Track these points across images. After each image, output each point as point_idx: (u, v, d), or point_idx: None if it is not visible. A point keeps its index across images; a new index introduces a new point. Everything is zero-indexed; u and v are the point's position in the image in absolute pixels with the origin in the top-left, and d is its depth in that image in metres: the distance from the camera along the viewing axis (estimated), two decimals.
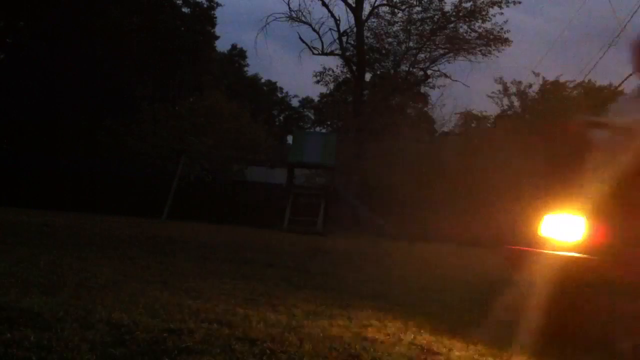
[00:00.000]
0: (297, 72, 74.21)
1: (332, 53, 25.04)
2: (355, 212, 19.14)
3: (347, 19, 30.56)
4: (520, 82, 23.23)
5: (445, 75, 24.41)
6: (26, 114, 20.42)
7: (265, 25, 24.94)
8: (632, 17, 16.05)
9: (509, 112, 23.69)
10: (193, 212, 17.66)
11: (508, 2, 22.32)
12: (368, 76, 25.69)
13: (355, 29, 24.29)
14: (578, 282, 2.83)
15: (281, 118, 45.02)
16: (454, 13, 23.25)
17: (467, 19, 23.09)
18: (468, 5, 22.87)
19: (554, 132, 15.26)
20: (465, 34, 23.51)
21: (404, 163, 19.61)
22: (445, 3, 23.28)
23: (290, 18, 24.12)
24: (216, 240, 8.96)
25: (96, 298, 3.13)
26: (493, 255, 7.00)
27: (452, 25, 23.55)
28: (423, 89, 26.53)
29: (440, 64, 24.59)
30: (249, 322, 2.81)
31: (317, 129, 37.83)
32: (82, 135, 20.38)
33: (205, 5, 27.12)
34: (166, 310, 2.96)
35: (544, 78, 22.55)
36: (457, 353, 2.62)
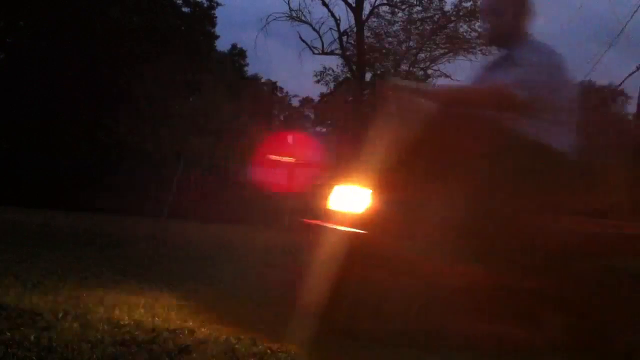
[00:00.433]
0: (297, 72, 74.06)
1: (332, 53, 25.00)
2: None
3: (347, 19, 30.40)
4: None
5: (446, 75, 24.40)
6: (26, 113, 20.42)
7: (265, 25, 24.75)
8: (632, 16, 16.03)
9: None
10: (193, 212, 17.68)
11: None
12: (368, 76, 25.68)
13: (355, 29, 24.26)
14: (358, 259, 2.59)
15: (281, 118, 45.05)
16: (454, 12, 23.24)
17: (468, 19, 23.07)
18: (468, 4, 22.86)
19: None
20: (465, 34, 23.50)
21: None
22: (445, 3, 23.26)
23: (291, 17, 24.05)
24: (216, 240, 8.96)
25: (96, 298, 3.14)
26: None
27: (452, 24, 23.54)
28: None
29: (440, 64, 24.58)
30: (249, 322, 2.81)
31: (317, 128, 37.84)
32: (81, 135, 20.38)
33: (205, 5, 27.12)
34: (167, 309, 2.96)
35: None
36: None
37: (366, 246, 2.60)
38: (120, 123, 19.75)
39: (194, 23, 26.21)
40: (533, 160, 2.67)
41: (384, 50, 24.89)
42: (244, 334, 2.54)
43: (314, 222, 2.99)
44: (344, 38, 24.58)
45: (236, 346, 2.35)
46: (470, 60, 23.40)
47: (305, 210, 3.37)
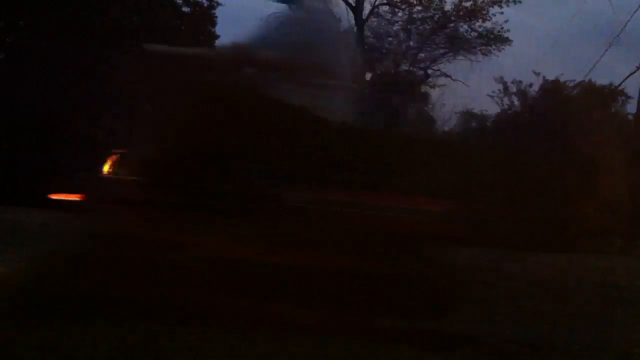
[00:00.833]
0: None
1: None
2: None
3: (347, 19, 30.52)
4: (520, 82, 23.26)
5: (446, 75, 24.40)
6: (25, 113, 20.39)
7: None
8: (632, 16, 16.06)
9: (509, 112, 23.72)
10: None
11: (508, 1, 22.31)
12: (368, 76, 25.68)
13: (355, 28, 24.27)
14: None
15: None
16: (455, 12, 23.23)
17: (468, 18, 23.07)
18: (468, 4, 22.86)
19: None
20: (465, 34, 23.50)
21: None
22: (445, 2, 23.26)
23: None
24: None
25: None
26: None
27: (452, 24, 23.54)
28: (423, 89, 26.52)
29: (440, 64, 24.57)
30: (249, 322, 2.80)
31: None
32: (81, 135, 20.36)
33: (205, 5, 27.08)
34: (168, 308, 2.95)
35: (544, 78, 22.58)
36: None
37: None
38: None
39: (195, 22, 26.18)
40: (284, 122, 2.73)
41: (384, 50, 24.92)
42: None
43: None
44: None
45: None
46: (470, 60, 23.46)
47: None
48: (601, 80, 23.04)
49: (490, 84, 33.87)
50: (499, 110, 23.94)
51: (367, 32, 24.24)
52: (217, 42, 30.11)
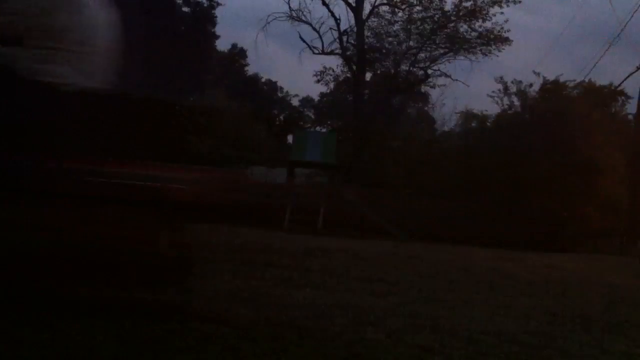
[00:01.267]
0: (298, 72, 73.88)
1: (332, 52, 25.00)
2: (356, 211, 19.12)
3: (347, 19, 30.41)
4: (520, 82, 23.24)
5: (446, 75, 24.39)
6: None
7: (265, 25, 24.75)
8: (632, 16, 16.06)
9: (509, 112, 23.71)
10: (193, 212, 17.61)
11: (508, 1, 22.30)
12: (368, 75, 25.68)
13: (355, 29, 24.26)
14: None
15: (281, 117, 44.99)
16: (455, 12, 23.22)
17: (468, 18, 23.06)
18: (468, 4, 22.85)
19: None
20: (465, 34, 23.49)
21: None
22: (445, 2, 23.23)
23: (291, 17, 24.05)
24: (216, 240, 8.94)
25: None
26: None
27: (452, 24, 23.53)
28: (423, 89, 26.51)
29: (440, 64, 24.56)
30: (249, 322, 2.81)
31: (317, 128, 37.79)
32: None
33: (205, 5, 27.12)
34: (168, 307, 2.96)
35: (544, 78, 22.56)
36: None
37: None
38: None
39: (195, 23, 26.21)
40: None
41: (384, 50, 24.92)
42: None
43: None
44: (344, 38, 24.58)
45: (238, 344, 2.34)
46: (470, 60, 23.45)
47: None
48: (601, 80, 23.05)
49: (490, 84, 33.85)
50: (499, 111, 23.93)
51: (367, 32, 24.25)
52: (217, 42, 30.21)
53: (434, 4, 23.35)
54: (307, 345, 2.45)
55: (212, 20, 27.62)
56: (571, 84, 21.61)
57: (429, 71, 24.86)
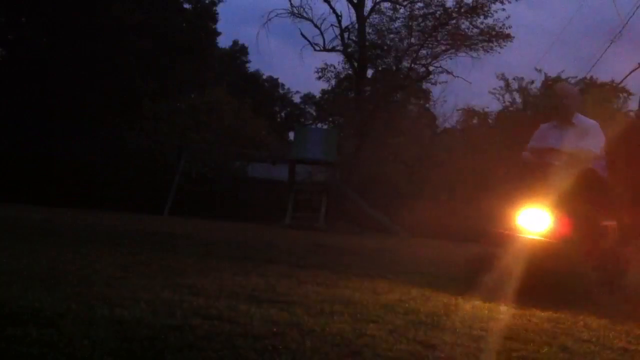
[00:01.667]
0: (299, 69, 73.91)
1: (333, 49, 24.96)
2: (357, 208, 19.13)
3: (348, 15, 30.44)
4: (522, 79, 23.21)
5: (447, 72, 24.33)
6: (26, 110, 20.41)
7: (266, 22, 24.74)
8: (634, 12, 15.99)
9: (510, 109, 23.67)
10: (194, 209, 17.67)
11: None
12: (370, 72, 25.63)
13: (357, 25, 24.21)
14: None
15: (282, 114, 44.97)
16: (456, 9, 23.15)
17: (469, 15, 22.99)
18: (470, 1, 22.78)
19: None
20: (467, 30, 23.42)
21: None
22: None
23: (292, 14, 24.04)
24: (217, 237, 8.97)
25: (98, 294, 3.14)
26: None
27: (454, 21, 23.45)
28: (425, 85, 26.47)
29: (441, 60, 24.49)
30: (250, 319, 2.81)
31: (319, 125, 37.75)
32: (82, 132, 20.37)
33: (207, 2, 27.08)
34: (168, 306, 2.96)
35: (546, 74, 22.53)
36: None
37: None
38: (121, 119, 19.76)
39: (196, 19, 26.18)
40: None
41: (385, 47, 24.87)
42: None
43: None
44: (346, 34, 24.60)
45: (238, 343, 2.35)
46: (472, 56, 23.41)
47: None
48: (603, 76, 23.02)
49: (492, 80, 33.72)
50: (500, 107, 23.91)
51: (368, 29, 24.21)
52: (219, 39, 30.18)
53: (436, 1, 23.29)
54: (308, 342, 2.44)
55: (213, 17, 27.58)
56: (573, 81, 21.57)
57: (431, 68, 24.83)
